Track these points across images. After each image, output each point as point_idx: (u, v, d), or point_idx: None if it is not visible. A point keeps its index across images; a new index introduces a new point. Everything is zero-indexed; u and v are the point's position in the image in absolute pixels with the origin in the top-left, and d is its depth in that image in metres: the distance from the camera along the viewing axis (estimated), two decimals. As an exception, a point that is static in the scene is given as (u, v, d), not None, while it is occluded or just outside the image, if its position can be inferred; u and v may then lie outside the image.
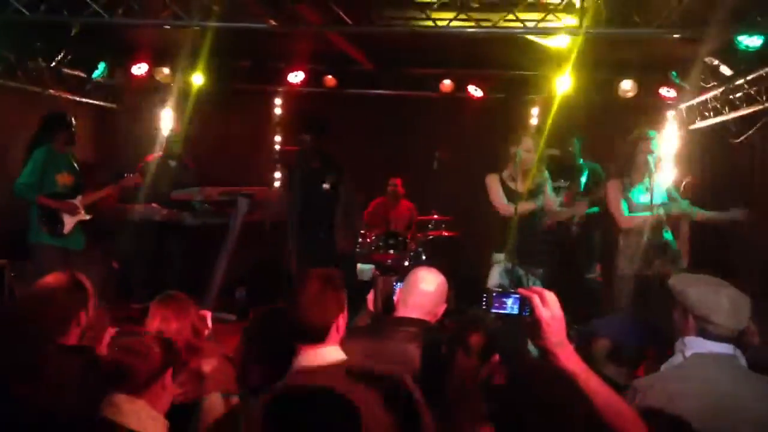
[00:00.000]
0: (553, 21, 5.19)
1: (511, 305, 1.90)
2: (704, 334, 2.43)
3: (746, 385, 2.37)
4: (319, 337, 2.33)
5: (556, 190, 6.52)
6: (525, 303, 1.87)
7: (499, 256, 5.42)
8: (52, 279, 2.91)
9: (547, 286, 2.07)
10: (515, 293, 1.90)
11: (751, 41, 5.02)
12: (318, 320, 2.33)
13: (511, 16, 5.03)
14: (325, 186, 5.76)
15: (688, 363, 2.44)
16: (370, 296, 3.24)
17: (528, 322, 1.83)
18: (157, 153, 7.26)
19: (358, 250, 6.91)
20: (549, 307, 1.82)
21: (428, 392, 2.32)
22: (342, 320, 2.38)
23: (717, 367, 2.40)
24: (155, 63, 7.93)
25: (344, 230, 5.87)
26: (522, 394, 1.72)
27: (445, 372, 2.53)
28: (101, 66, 7.66)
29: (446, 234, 7.32)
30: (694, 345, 2.44)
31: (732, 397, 2.23)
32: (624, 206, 5.01)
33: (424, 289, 2.94)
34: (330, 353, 2.33)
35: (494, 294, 1.91)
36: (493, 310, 1.91)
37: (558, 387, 1.72)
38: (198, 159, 7.51)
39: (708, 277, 2.56)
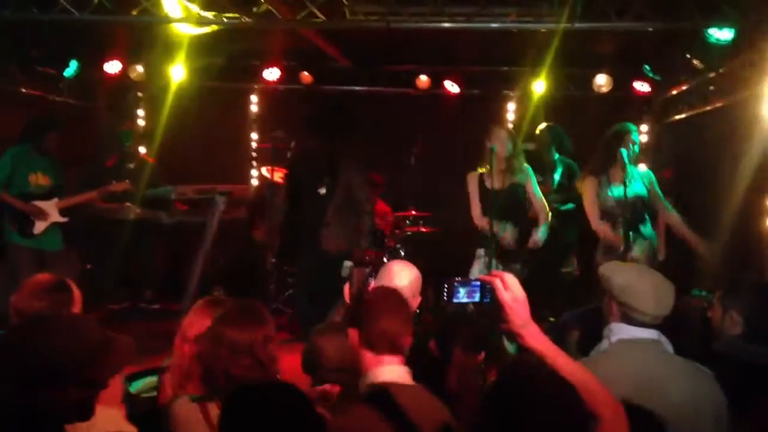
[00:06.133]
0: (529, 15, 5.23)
1: (472, 293, 1.89)
2: (628, 320, 2.46)
3: (670, 369, 2.41)
4: (401, 349, 2.38)
5: None
6: (486, 290, 1.87)
7: (481, 251, 5.44)
8: (37, 277, 2.88)
9: (525, 281, 2.07)
10: (475, 281, 1.89)
11: (722, 34, 5.06)
12: (403, 332, 2.37)
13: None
14: (321, 191, 5.59)
15: (613, 348, 2.48)
16: (347, 289, 3.24)
17: (491, 308, 1.83)
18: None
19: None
20: (510, 289, 1.82)
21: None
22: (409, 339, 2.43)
23: (641, 352, 2.43)
24: (129, 60, 7.84)
25: (339, 229, 5.73)
26: (511, 393, 1.71)
27: (441, 370, 2.54)
28: (73, 64, 7.56)
29: (424, 230, 7.31)
30: (620, 331, 2.47)
31: (655, 381, 2.26)
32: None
33: (398, 283, 2.94)
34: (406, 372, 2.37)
35: (454, 283, 1.89)
36: (455, 300, 1.89)
37: (550, 386, 1.70)
38: (174, 157, 7.45)
39: (633, 266, 2.63)
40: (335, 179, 5.63)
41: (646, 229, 5.10)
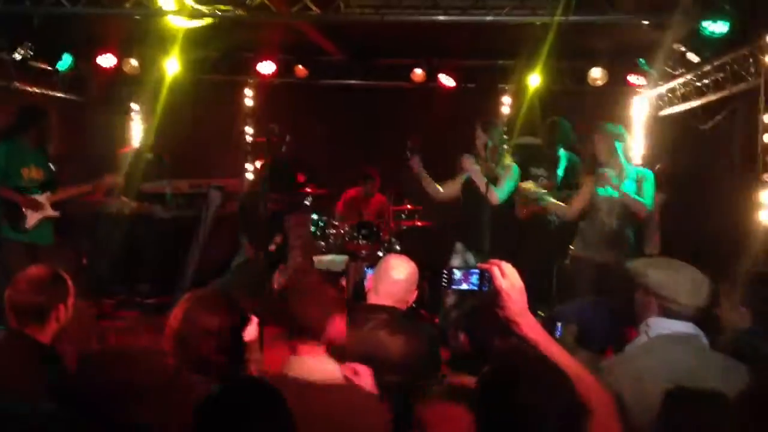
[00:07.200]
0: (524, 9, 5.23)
1: (471, 281, 1.91)
2: (667, 313, 2.46)
3: (709, 363, 2.42)
4: (316, 334, 2.30)
5: (535, 178, 6.57)
6: (484, 278, 1.89)
7: (460, 246, 5.51)
8: (32, 270, 2.86)
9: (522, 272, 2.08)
10: (474, 269, 1.91)
11: (716, 27, 5.06)
12: (316, 315, 2.31)
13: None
14: (271, 248, 5.90)
15: (653, 343, 2.48)
16: (344, 282, 3.26)
17: (488, 295, 1.85)
18: (131, 145, 7.17)
19: (331, 241, 6.86)
20: (508, 278, 1.84)
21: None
22: (339, 322, 2.34)
23: (681, 346, 2.44)
24: (123, 54, 7.80)
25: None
26: (504, 380, 1.71)
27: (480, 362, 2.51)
28: (67, 58, 7.52)
29: (419, 224, 7.32)
30: (658, 325, 2.47)
31: (696, 375, 2.26)
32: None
33: (395, 277, 2.96)
34: (327, 367, 2.30)
35: (453, 271, 1.92)
36: (454, 287, 1.92)
37: (543, 372, 1.71)
38: (169, 150, 7.43)
39: (666, 259, 2.63)
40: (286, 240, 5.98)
41: (629, 231, 5.13)
